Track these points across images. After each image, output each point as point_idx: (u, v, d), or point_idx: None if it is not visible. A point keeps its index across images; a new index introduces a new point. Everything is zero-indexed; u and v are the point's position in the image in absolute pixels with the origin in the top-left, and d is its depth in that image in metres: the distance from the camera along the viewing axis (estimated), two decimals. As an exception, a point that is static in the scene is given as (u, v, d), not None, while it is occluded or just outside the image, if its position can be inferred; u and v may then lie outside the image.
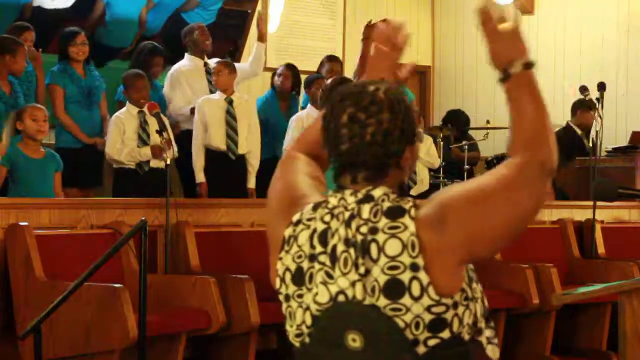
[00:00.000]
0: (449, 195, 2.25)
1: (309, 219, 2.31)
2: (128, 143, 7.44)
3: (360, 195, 2.26)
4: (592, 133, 8.97)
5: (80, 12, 9.04)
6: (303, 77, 8.99)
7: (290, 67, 9.05)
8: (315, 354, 2.27)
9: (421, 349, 2.19)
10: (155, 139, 7.41)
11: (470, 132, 11.14)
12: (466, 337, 2.23)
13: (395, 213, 2.23)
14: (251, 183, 7.98)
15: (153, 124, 7.38)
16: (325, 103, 5.17)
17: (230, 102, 7.92)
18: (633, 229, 8.37)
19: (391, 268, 2.18)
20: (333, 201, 2.29)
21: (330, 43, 11.29)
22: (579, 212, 8.18)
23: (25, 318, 5.37)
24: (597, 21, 11.25)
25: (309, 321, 2.27)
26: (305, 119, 7.94)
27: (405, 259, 2.18)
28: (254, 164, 7.97)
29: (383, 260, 2.19)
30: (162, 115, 6.50)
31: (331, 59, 9.40)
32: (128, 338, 5.12)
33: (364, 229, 2.22)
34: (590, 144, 9.18)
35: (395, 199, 2.26)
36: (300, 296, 2.28)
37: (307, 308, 2.26)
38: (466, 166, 9.93)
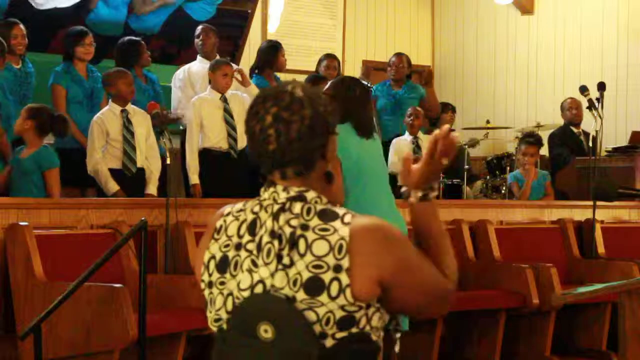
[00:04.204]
0: (403, 241, 2.37)
1: (239, 211, 2.44)
2: (113, 144, 7.32)
3: (292, 193, 2.38)
4: (592, 133, 8.97)
5: (80, 11, 9.05)
6: (302, 76, 8.99)
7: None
8: (230, 341, 2.38)
9: (329, 342, 2.30)
10: (139, 137, 7.37)
11: (470, 132, 11.13)
12: (374, 337, 2.36)
13: (327, 216, 2.35)
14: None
15: (137, 123, 7.34)
16: (348, 101, 5.03)
17: (225, 100, 7.89)
18: (633, 229, 8.38)
19: (315, 267, 2.31)
20: (264, 194, 2.41)
21: (330, 43, 11.29)
22: (579, 212, 8.18)
23: (25, 318, 5.37)
24: (597, 21, 11.25)
25: (229, 307, 2.38)
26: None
27: (330, 260, 2.30)
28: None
29: (309, 257, 2.31)
30: (161, 115, 6.47)
31: (328, 56, 9.41)
32: (128, 338, 5.12)
33: (294, 222, 2.35)
34: (590, 144, 9.17)
35: (327, 203, 2.39)
36: (222, 283, 2.40)
37: (230, 294, 2.38)
38: (466, 166, 9.93)
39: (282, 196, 2.38)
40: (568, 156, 9.52)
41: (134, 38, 8.42)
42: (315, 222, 2.34)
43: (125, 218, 6.10)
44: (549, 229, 7.96)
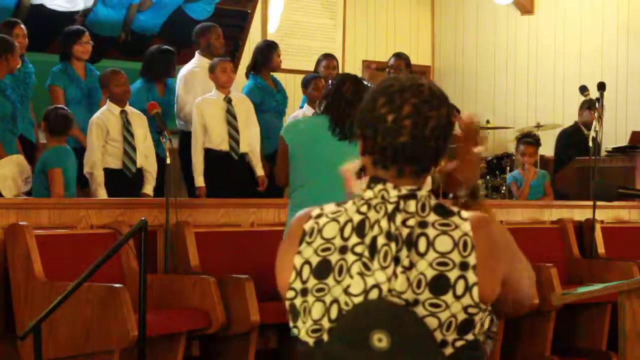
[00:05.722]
0: (505, 229, 2.34)
1: (335, 212, 2.26)
2: (113, 145, 7.31)
3: (404, 191, 2.22)
4: (592, 133, 8.96)
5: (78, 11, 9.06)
6: (302, 76, 8.99)
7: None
8: (334, 353, 2.18)
9: (448, 350, 2.18)
10: (138, 138, 7.36)
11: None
12: (482, 344, 2.27)
13: (444, 211, 2.23)
14: (259, 172, 7.94)
15: (135, 124, 7.34)
16: (334, 96, 4.94)
17: (229, 102, 7.87)
18: (633, 229, 8.37)
19: (440, 264, 2.18)
20: (369, 193, 2.24)
21: (330, 43, 11.29)
22: (579, 212, 8.18)
23: (25, 318, 5.37)
24: (597, 21, 11.25)
25: (334, 315, 2.20)
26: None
27: (455, 257, 2.18)
28: (256, 157, 7.94)
29: (432, 255, 2.18)
30: (160, 115, 6.46)
31: (327, 56, 9.38)
32: (128, 338, 5.13)
33: (411, 222, 2.20)
34: (591, 144, 9.17)
35: (439, 201, 2.26)
36: (320, 290, 2.21)
37: (334, 301, 2.20)
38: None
39: (393, 194, 2.21)
40: (573, 155, 9.50)
41: (168, 47, 8.23)
42: (433, 217, 2.21)
43: (125, 218, 6.10)
44: (549, 229, 7.95)
